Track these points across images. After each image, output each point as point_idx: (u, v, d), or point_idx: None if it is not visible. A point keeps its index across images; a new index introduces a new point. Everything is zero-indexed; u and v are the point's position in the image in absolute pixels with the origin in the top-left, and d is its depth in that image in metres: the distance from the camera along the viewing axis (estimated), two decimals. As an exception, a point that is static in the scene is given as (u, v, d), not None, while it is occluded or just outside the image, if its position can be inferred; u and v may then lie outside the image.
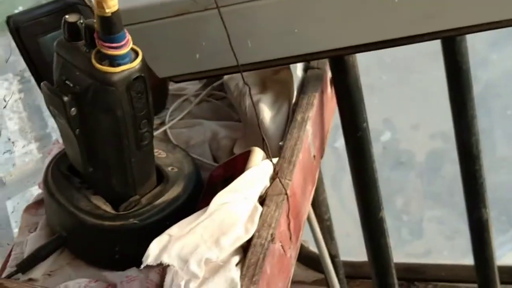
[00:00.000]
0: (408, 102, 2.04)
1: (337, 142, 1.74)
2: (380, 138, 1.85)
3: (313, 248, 1.47)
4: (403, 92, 2.08)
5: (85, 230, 0.75)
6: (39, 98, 2.96)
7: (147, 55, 0.68)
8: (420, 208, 1.77)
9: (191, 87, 1.04)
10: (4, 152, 2.80)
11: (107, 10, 0.62)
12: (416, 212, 1.76)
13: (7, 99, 2.98)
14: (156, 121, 0.96)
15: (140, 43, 0.67)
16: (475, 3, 0.74)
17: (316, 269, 1.57)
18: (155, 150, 0.77)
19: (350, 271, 1.48)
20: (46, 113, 2.91)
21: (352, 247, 1.53)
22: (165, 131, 0.95)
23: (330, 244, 1.28)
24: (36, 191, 2.57)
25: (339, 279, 1.30)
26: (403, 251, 1.61)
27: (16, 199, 2.55)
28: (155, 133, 0.84)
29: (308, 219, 1.13)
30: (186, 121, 0.97)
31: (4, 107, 2.68)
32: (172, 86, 1.04)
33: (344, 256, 1.41)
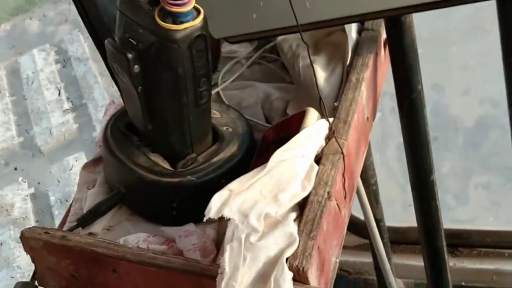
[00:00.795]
0: (446, 76, 2.02)
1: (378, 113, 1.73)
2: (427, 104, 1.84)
3: (355, 212, 1.48)
4: (441, 66, 2.06)
5: (143, 186, 0.77)
6: (76, 69, 3.01)
7: (204, 15, 0.68)
8: (466, 174, 1.75)
9: (243, 49, 1.04)
10: (41, 122, 2.86)
11: (171, -32, 0.63)
12: (462, 178, 1.75)
13: (44, 70, 3.02)
14: (209, 83, 0.97)
15: (197, 3, 0.68)
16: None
17: (358, 234, 1.57)
18: (210, 110, 0.78)
19: (393, 237, 1.48)
20: (82, 84, 2.96)
21: (395, 212, 1.53)
22: (218, 93, 0.96)
23: (376, 208, 1.28)
24: (72, 160, 2.62)
25: (383, 243, 1.30)
26: (448, 217, 1.60)
27: (52, 168, 2.61)
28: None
29: (355, 183, 1.13)
30: (238, 83, 0.98)
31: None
32: (224, 49, 1.04)
33: (387, 221, 1.41)
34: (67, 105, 2.95)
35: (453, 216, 1.64)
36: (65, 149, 2.75)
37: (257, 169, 0.69)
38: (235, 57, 1.04)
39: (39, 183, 2.64)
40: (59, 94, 2.83)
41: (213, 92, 0.96)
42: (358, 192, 1.18)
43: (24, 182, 2.66)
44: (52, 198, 2.52)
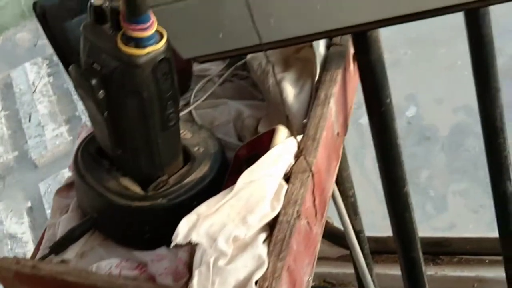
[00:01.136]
0: (432, 77, 2.03)
1: (362, 119, 1.74)
2: (405, 113, 1.85)
3: (337, 224, 1.48)
4: (428, 67, 2.07)
5: (114, 211, 0.77)
6: (68, 81, 2.99)
7: (171, 37, 0.68)
8: (444, 182, 1.76)
9: (215, 67, 1.04)
10: (36, 136, 2.84)
11: (131, -8, 0.63)
12: (440, 186, 1.75)
13: (36, 83, 3.00)
14: (181, 102, 0.97)
15: (164, 25, 0.68)
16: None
17: (341, 245, 1.57)
18: (181, 131, 0.78)
19: (375, 246, 1.48)
20: (75, 96, 2.94)
21: (376, 222, 1.53)
22: (190, 112, 0.96)
23: (355, 220, 1.29)
24: (67, 173, 2.61)
25: (364, 254, 1.30)
26: (428, 225, 1.61)
27: (48, 181, 2.59)
28: (180, 114, 0.85)
29: (333, 195, 1.13)
30: (210, 101, 0.98)
31: (34, 91, 2.68)
32: (196, 67, 1.04)
33: (369, 231, 1.42)
34: (60, 118, 2.93)
35: (433, 224, 1.65)
36: (60, 162, 2.74)
37: (225, 191, 0.69)
38: (207, 75, 1.04)
39: (35, 197, 2.62)
40: (52, 107, 2.77)
41: (185, 111, 0.96)
42: (336, 205, 1.18)
43: (20, 196, 2.64)
44: (48, 212, 2.50)
